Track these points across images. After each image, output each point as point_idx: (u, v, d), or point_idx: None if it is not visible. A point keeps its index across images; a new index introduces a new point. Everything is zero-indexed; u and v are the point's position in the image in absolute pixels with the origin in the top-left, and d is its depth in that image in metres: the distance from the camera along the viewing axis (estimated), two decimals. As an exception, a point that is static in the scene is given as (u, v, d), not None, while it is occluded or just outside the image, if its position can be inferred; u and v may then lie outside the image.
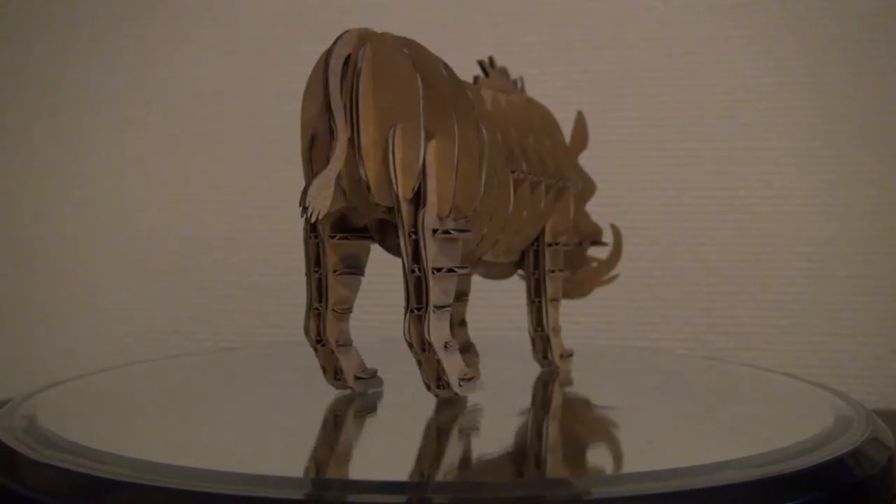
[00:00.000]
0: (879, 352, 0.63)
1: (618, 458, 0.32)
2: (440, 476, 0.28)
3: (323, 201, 0.32)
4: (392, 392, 0.39)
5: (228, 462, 0.29)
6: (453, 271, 0.34)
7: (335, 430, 0.36)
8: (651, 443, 0.33)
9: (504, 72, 0.44)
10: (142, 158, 0.72)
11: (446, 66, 0.35)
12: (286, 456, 0.32)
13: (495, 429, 0.36)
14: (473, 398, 0.36)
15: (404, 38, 0.34)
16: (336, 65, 0.32)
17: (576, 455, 0.33)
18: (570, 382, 0.44)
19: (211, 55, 0.71)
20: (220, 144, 0.71)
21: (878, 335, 0.63)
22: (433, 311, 0.33)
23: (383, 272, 0.70)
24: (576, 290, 0.52)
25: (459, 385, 0.35)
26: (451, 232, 0.33)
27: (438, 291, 0.33)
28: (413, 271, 0.33)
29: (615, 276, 0.52)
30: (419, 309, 0.33)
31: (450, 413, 0.35)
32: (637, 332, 0.66)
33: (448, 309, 0.34)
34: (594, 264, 0.52)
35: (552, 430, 0.36)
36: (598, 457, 0.32)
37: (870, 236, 0.64)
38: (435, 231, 0.33)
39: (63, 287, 0.73)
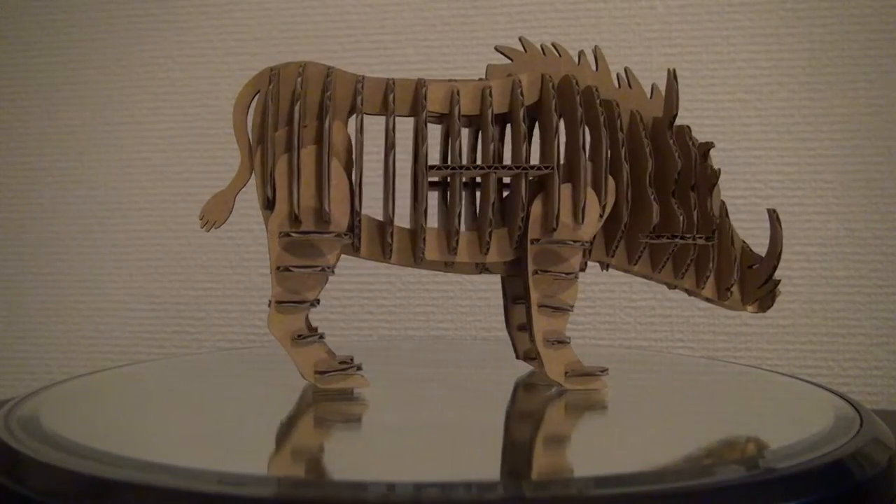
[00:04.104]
0: (879, 352, 0.63)
1: (617, 457, 0.32)
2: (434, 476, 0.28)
3: (219, 214, 0.39)
4: (385, 390, 0.39)
5: (228, 462, 0.29)
6: (289, 270, 0.38)
7: (331, 429, 0.36)
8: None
9: (546, 48, 0.41)
10: (142, 158, 0.72)
11: (326, 83, 0.38)
12: (286, 455, 0.32)
13: (491, 428, 0.36)
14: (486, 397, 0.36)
15: (295, 64, 0.39)
16: (241, 101, 0.39)
17: (574, 455, 0.33)
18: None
19: (211, 55, 0.71)
20: (220, 144, 0.71)
21: (878, 335, 0.64)
22: (275, 306, 0.38)
23: (383, 273, 0.70)
24: (738, 300, 0.42)
25: (315, 377, 0.39)
26: (292, 234, 0.38)
27: (281, 289, 0.38)
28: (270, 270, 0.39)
29: (776, 282, 0.42)
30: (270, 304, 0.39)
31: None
32: (637, 332, 0.66)
33: (299, 304, 0.38)
34: (755, 265, 0.42)
35: (550, 431, 0.36)
36: (597, 456, 0.32)
37: (870, 236, 0.64)
38: (281, 234, 0.38)
39: (63, 287, 0.73)
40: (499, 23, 0.68)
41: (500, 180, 0.41)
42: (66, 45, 0.73)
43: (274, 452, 0.32)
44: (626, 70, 0.42)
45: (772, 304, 0.42)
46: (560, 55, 0.41)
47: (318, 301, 0.41)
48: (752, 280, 0.42)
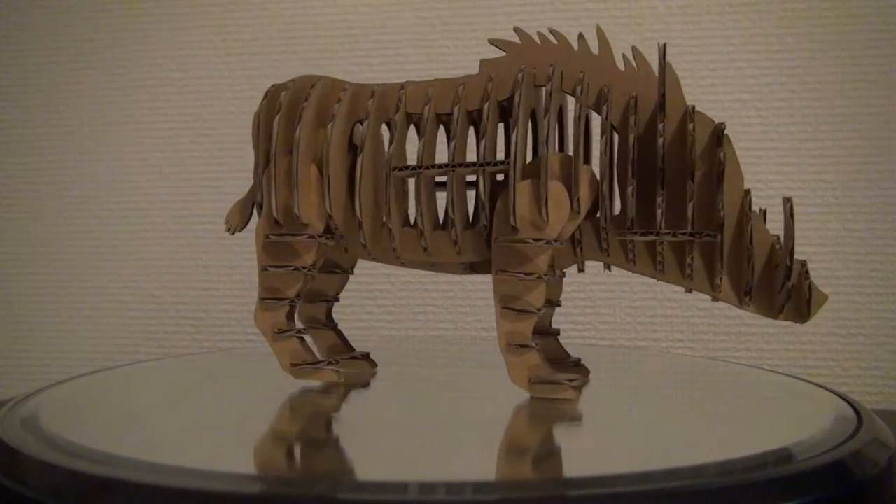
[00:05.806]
0: (879, 352, 0.63)
1: (614, 457, 0.32)
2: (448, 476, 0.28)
3: (238, 220, 0.42)
4: (383, 389, 0.39)
5: (228, 462, 0.29)
6: (266, 269, 0.40)
7: (331, 429, 0.36)
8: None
9: (542, 37, 0.39)
10: (142, 158, 0.72)
11: (310, 92, 0.40)
12: (284, 455, 0.32)
13: (491, 428, 0.36)
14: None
15: (288, 82, 0.41)
16: (255, 119, 0.42)
17: (575, 455, 0.33)
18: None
19: (211, 55, 0.71)
20: (219, 144, 0.71)
21: (878, 335, 0.63)
22: (259, 302, 0.41)
23: (383, 273, 0.70)
24: (766, 307, 0.36)
25: (290, 369, 0.41)
26: (271, 236, 0.40)
27: (263, 287, 0.41)
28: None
29: (791, 285, 0.35)
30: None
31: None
32: (637, 332, 0.66)
33: (279, 301, 0.41)
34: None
35: (545, 431, 0.36)
36: (598, 456, 0.32)
37: (870, 236, 0.64)
38: (264, 236, 0.41)
39: (63, 287, 0.73)
40: (498, 23, 0.68)
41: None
42: (66, 45, 0.73)
43: (273, 451, 0.32)
44: (633, 49, 0.38)
45: (808, 311, 0.35)
46: (557, 42, 0.39)
47: (337, 298, 0.45)
48: (776, 283, 0.35)
